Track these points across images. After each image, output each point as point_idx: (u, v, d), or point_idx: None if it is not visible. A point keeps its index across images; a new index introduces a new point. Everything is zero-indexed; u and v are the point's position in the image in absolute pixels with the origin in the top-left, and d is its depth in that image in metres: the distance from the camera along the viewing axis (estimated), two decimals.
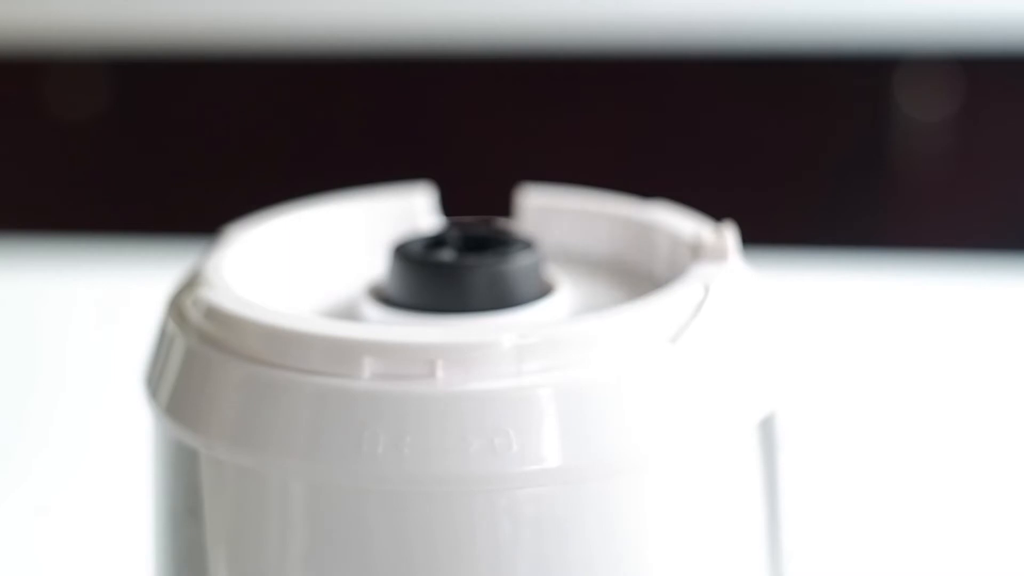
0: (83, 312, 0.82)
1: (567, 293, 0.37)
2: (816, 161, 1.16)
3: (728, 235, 0.37)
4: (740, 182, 1.18)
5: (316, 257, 0.41)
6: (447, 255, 0.37)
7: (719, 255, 0.37)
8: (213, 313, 0.35)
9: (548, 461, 0.32)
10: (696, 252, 0.37)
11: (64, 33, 1.07)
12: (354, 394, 0.32)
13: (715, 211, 0.43)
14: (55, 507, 0.63)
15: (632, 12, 1.17)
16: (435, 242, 0.38)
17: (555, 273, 0.38)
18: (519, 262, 0.36)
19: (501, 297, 0.36)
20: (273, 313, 0.34)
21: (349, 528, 0.33)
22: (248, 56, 1.15)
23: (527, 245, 0.37)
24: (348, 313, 0.37)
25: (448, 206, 0.43)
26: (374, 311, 0.36)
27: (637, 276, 0.40)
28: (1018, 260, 0.87)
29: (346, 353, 0.32)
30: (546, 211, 0.42)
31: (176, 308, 0.37)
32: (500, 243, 0.38)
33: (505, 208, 0.43)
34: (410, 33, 1.19)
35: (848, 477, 0.63)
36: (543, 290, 0.37)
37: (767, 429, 0.36)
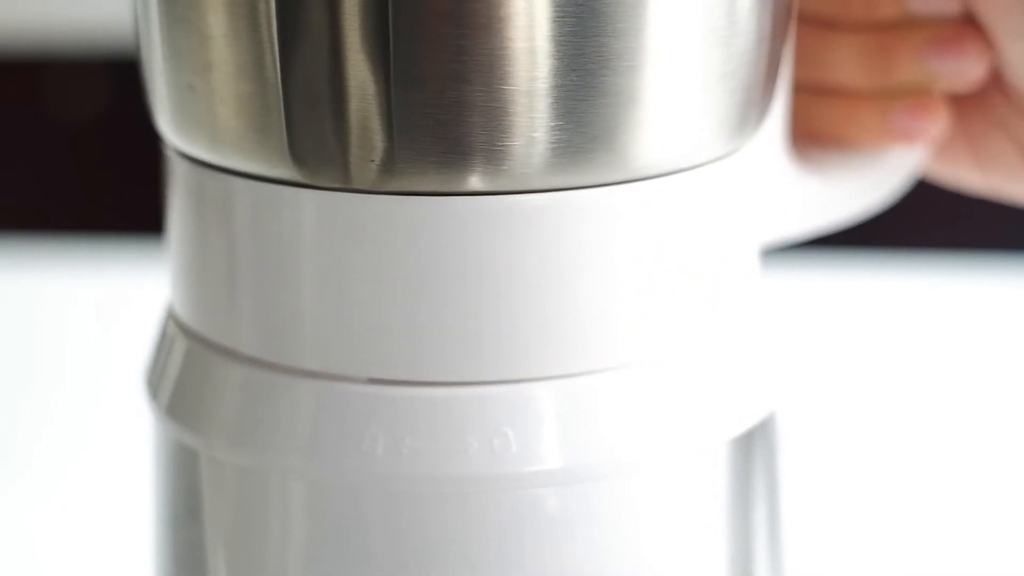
0: (83, 312, 0.82)
1: None
2: None
3: None
4: None
5: None
6: None
7: None
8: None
9: (548, 462, 0.32)
10: None
11: (64, 33, 1.07)
12: (354, 395, 0.32)
13: None
14: (54, 506, 0.63)
15: None
16: None
17: None
18: None
19: None
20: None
21: (348, 528, 0.32)
22: None
23: None
24: None
25: None
26: None
27: None
28: (1018, 260, 0.87)
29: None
30: None
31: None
32: None
33: None
34: None
35: (846, 476, 0.63)
36: None
37: (767, 429, 0.36)
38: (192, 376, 0.34)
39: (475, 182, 0.31)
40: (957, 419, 0.69)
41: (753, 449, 0.35)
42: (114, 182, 1.01)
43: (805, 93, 0.40)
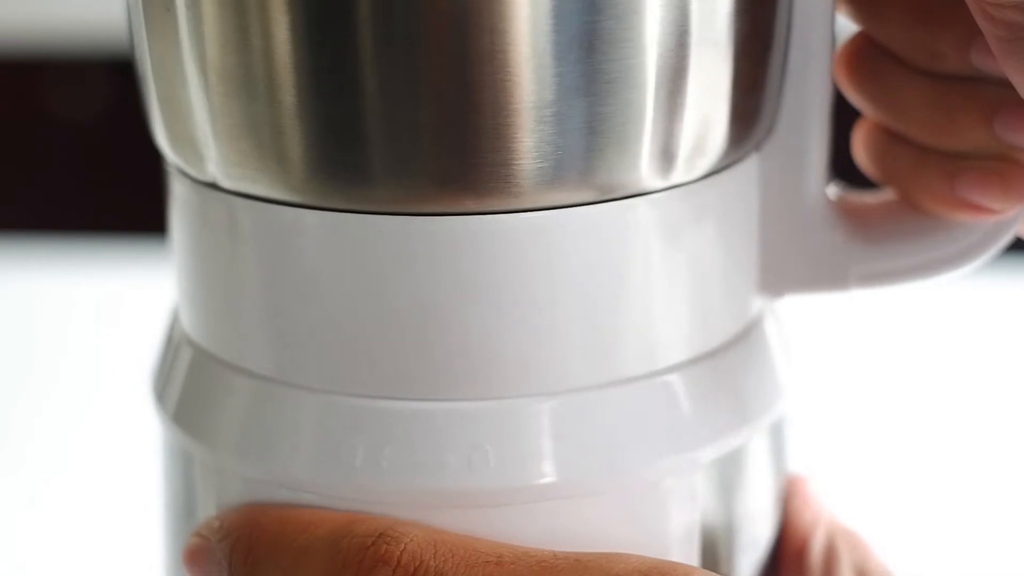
0: (83, 312, 0.82)
1: None
2: None
3: None
4: None
5: None
6: None
7: None
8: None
9: (526, 479, 0.31)
10: None
11: (64, 33, 1.07)
12: (335, 407, 0.32)
13: None
14: (54, 506, 0.63)
15: None
16: None
17: None
18: None
19: None
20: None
21: None
22: None
23: None
24: None
25: None
26: None
27: None
28: (1018, 260, 0.87)
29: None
30: None
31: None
32: None
33: None
34: None
35: (848, 477, 0.63)
36: None
37: (775, 433, 0.36)
38: (198, 384, 0.34)
39: (470, 203, 0.31)
40: (958, 419, 0.69)
41: (761, 452, 0.35)
42: (114, 182, 1.01)
43: (879, 131, 0.35)
